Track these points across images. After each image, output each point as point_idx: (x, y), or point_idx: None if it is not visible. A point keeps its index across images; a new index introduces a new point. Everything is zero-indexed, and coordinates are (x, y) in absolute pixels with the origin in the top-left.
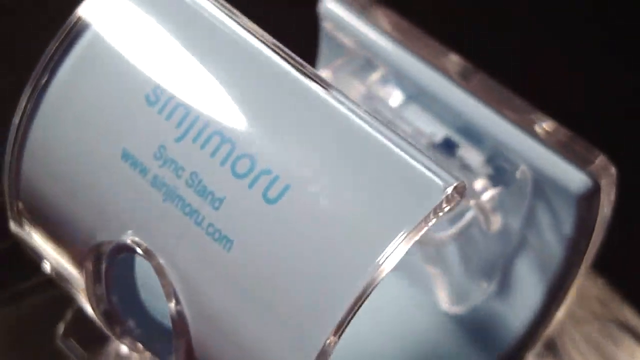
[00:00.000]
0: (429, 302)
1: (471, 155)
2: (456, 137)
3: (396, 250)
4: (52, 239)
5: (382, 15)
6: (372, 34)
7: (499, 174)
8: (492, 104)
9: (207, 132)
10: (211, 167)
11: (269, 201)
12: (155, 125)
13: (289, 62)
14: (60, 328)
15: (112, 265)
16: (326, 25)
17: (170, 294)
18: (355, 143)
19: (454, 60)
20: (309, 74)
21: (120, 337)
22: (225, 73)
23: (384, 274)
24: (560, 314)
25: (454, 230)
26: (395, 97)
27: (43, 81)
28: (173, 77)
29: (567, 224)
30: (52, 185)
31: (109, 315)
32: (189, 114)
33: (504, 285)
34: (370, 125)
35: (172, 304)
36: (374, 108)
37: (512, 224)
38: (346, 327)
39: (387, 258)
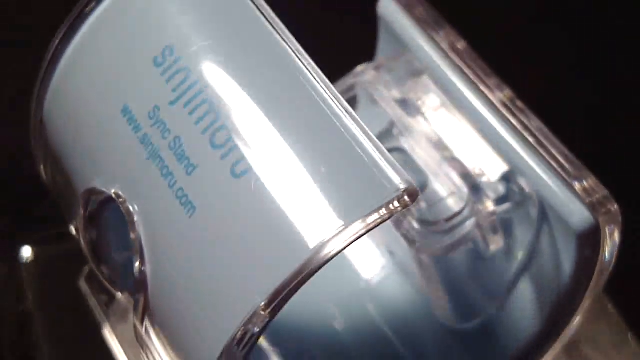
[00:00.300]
0: (428, 313)
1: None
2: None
3: (334, 240)
4: (62, 181)
5: (441, 30)
6: (425, 45)
7: (508, 197)
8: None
9: (199, 99)
10: (193, 134)
11: (235, 175)
12: (156, 86)
13: (298, 58)
14: (86, 270)
15: (103, 213)
16: (382, 25)
17: (137, 250)
18: (326, 137)
19: (506, 94)
20: (309, 68)
21: (109, 283)
22: (232, 50)
23: (320, 262)
24: (559, 347)
25: (448, 241)
26: (429, 105)
27: (86, 11)
28: (184, 43)
29: (568, 259)
30: (65, 127)
31: (98, 259)
32: (186, 80)
33: (502, 310)
34: (346, 125)
35: (137, 261)
36: (404, 112)
37: (516, 249)
38: (279, 306)
39: (323, 246)
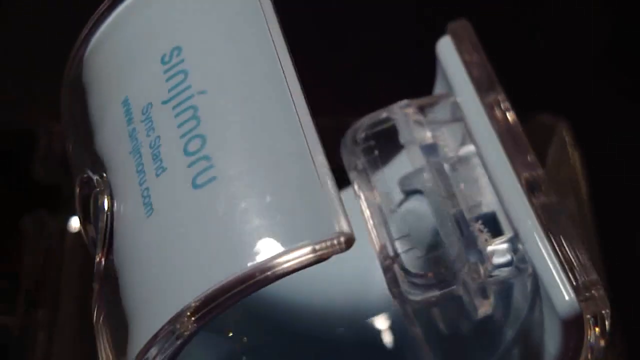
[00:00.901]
0: None
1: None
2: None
3: (270, 264)
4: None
5: (492, 93)
6: (469, 101)
7: (507, 264)
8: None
9: (187, 104)
10: (172, 137)
11: (195, 185)
12: (155, 83)
13: (287, 86)
14: None
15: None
16: (438, 64)
17: (101, 241)
18: (288, 171)
19: (537, 174)
20: (295, 98)
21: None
22: (231, 64)
23: (250, 283)
24: None
25: (429, 296)
26: (456, 156)
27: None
28: (192, 47)
29: (552, 343)
30: (80, 107)
31: (91, 243)
32: (182, 82)
33: None
34: (310, 165)
35: (100, 252)
36: (424, 160)
37: (507, 320)
38: (206, 315)
39: (255, 267)
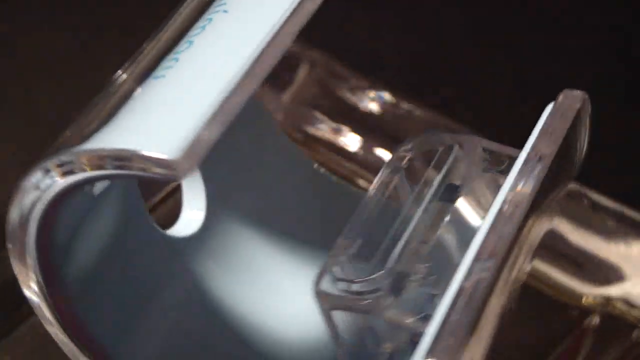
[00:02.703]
0: None
1: None
2: None
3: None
4: None
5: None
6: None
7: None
8: None
9: (210, 15)
10: (186, 40)
11: (154, 77)
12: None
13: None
14: None
15: None
16: None
17: None
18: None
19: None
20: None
21: None
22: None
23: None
24: None
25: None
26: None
27: None
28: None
29: None
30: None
31: None
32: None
33: None
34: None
35: None
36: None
37: None
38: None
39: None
